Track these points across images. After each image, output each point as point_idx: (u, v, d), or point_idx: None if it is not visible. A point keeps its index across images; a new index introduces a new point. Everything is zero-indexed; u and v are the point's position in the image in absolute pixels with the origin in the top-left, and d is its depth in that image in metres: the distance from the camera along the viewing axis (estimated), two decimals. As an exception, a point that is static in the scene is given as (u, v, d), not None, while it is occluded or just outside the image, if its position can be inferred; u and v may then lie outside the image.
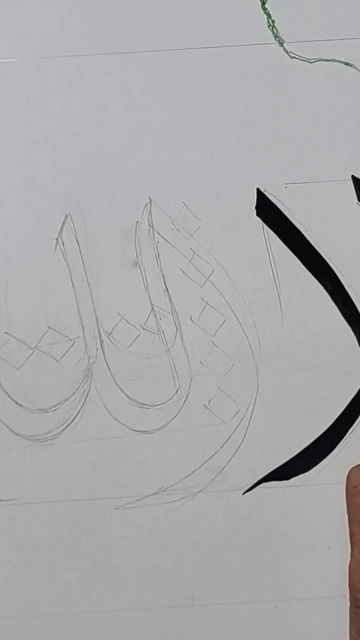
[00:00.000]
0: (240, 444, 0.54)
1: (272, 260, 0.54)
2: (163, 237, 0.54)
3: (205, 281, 0.54)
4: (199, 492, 0.54)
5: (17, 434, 0.54)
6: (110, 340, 0.54)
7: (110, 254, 0.54)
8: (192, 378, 0.54)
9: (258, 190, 0.54)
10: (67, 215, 0.54)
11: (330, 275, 0.54)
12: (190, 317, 0.54)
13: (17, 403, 0.54)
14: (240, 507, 0.54)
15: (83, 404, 0.54)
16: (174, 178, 0.55)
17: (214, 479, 0.54)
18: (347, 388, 0.54)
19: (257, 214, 0.54)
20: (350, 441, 0.54)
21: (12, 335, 0.54)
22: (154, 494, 0.54)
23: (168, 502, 0.54)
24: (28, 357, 0.54)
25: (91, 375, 0.54)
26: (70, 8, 0.55)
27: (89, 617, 0.54)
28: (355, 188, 0.54)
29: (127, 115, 0.55)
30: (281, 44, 0.54)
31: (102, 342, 0.54)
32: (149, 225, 0.54)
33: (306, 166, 0.55)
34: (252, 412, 0.54)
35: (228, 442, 0.54)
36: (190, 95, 0.55)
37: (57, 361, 0.54)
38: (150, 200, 0.54)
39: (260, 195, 0.54)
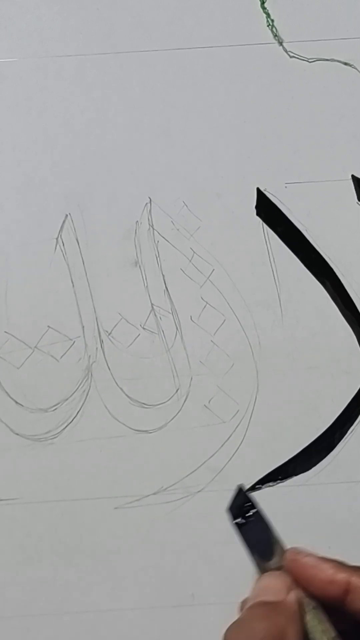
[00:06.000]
0: (240, 444, 0.54)
1: (272, 260, 0.54)
2: (163, 237, 0.54)
3: (205, 281, 0.54)
4: (198, 491, 0.54)
5: (17, 434, 0.54)
6: (110, 340, 0.54)
7: (110, 254, 0.54)
8: (192, 378, 0.54)
9: (258, 190, 0.54)
10: (67, 215, 0.54)
11: (330, 275, 0.54)
12: (191, 316, 0.54)
13: (17, 402, 0.54)
14: (240, 507, 0.54)
15: (83, 403, 0.54)
16: (174, 178, 0.55)
17: (213, 478, 0.54)
18: (347, 388, 0.54)
19: (257, 214, 0.54)
20: (350, 441, 0.54)
21: (12, 335, 0.54)
22: (154, 494, 0.54)
23: (168, 502, 0.54)
24: (28, 357, 0.54)
25: (91, 375, 0.54)
26: (70, 8, 0.55)
27: (89, 617, 0.54)
28: (355, 188, 0.54)
29: (127, 115, 0.55)
30: (280, 43, 0.54)
31: (102, 341, 0.54)
32: (149, 224, 0.54)
33: (306, 166, 0.55)
34: (252, 412, 0.54)
35: (228, 442, 0.54)
36: (190, 95, 0.55)
37: (57, 361, 0.54)
38: (150, 200, 0.54)
39: (260, 195, 0.54)
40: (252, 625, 0.40)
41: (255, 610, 0.42)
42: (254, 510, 0.45)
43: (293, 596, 0.41)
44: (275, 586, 0.42)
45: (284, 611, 0.41)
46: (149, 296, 0.54)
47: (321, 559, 0.44)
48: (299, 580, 0.43)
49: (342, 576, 0.42)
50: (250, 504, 0.45)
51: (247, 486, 0.53)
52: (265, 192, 0.54)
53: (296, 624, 0.40)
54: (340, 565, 0.43)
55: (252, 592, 0.44)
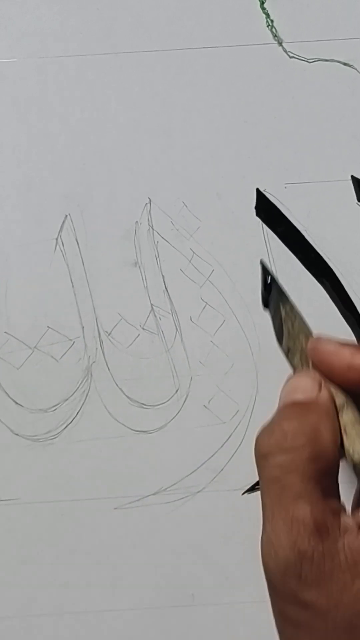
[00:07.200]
0: (240, 444, 0.54)
1: (271, 260, 0.54)
2: (163, 237, 0.54)
3: (205, 281, 0.54)
4: (198, 492, 0.54)
5: (17, 434, 0.54)
6: (110, 340, 0.54)
7: (110, 254, 0.54)
8: (191, 378, 0.54)
9: (258, 190, 0.54)
10: (66, 215, 0.54)
11: (330, 275, 0.54)
12: (190, 317, 0.54)
13: (17, 403, 0.54)
14: (240, 507, 0.54)
15: (83, 404, 0.54)
16: (174, 178, 0.55)
17: (213, 479, 0.54)
18: (347, 388, 0.54)
19: (257, 214, 0.54)
20: (350, 441, 0.54)
21: (12, 335, 0.54)
22: (153, 494, 0.54)
23: (168, 502, 0.54)
24: (28, 357, 0.54)
25: (91, 375, 0.54)
26: (70, 8, 0.55)
27: (89, 617, 0.54)
28: (355, 188, 0.54)
29: (127, 115, 0.55)
30: (280, 43, 0.54)
31: (101, 342, 0.54)
32: (149, 225, 0.54)
33: (306, 166, 0.54)
34: (252, 412, 0.54)
35: (228, 442, 0.54)
36: (190, 95, 0.55)
37: (57, 361, 0.54)
38: (150, 200, 0.54)
39: (260, 195, 0.54)
40: (283, 425, 0.38)
41: (287, 411, 0.39)
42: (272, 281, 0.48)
43: (325, 393, 0.39)
44: (306, 385, 0.40)
45: (316, 409, 0.38)
46: (149, 296, 0.54)
47: (341, 345, 0.41)
48: (321, 372, 0.40)
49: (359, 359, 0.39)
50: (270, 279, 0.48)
51: (247, 486, 0.53)
52: (265, 193, 0.54)
53: (330, 422, 0.38)
54: (358, 347, 0.40)
55: (281, 395, 0.42)
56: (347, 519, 0.36)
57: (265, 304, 0.50)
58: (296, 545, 0.35)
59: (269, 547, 0.36)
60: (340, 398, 0.40)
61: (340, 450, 0.39)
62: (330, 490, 0.37)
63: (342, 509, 0.37)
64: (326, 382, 0.40)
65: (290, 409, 0.40)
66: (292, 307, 0.46)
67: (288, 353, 0.45)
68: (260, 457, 0.38)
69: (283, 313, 0.46)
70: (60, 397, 0.54)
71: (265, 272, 0.51)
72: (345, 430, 0.38)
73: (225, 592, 0.54)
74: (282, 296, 0.47)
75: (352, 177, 0.54)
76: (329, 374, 0.40)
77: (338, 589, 0.34)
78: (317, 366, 0.41)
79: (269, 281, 0.50)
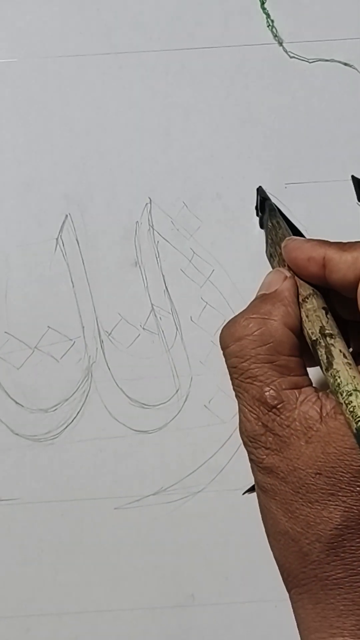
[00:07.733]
0: (240, 444, 0.53)
1: (272, 259, 0.54)
2: (163, 237, 0.54)
3: (205, 281, 0.54)
4: (198, 492, 0.54)
5: (17, 434, 0.54)
6: (110, 340, 0.54)
7: (110, 254, 0.54)
8: (192, 378, 0.54)
9: (258, 188, 0.54)
10: (67, 215, 0.54)
11: (330, 275, 0.54)
12: (191, 317, 0.54)
13: (17, 403, 0.54)
14: (240, 507, 0.54)
15: (83, 404, 0.54)
16: (174, 178, 0.55)
17: (214, 479, 0.54)
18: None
19: (257, 214, 0.54)
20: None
21: (12, 335, 0.54)
22: (154, 494, 0.54)
23: (168, 502, 0.54)
24: (28, 357, 0.54)
25: (91, 375, 0.54)
26: (70, 8, 0.55)
27: (89, 617, 0.54)
28: (355, 188, 0.54)
29: (127, 115, 0.55)
30: (280, 43, 0.54)
31: (102, 342, 0.54)
32: (149, 225, 0.54)
33: (306, 166, 0.55)
34: (252, 412, 0.54)
35: (228, 442, 0.54)
36: (190, 95, 0.55)
37: (57, 361, 0.54)
38: (150, 200, 0.54)
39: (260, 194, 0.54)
40: (238, 318, 0.41)
41: (249, 304, 0.42)
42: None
43: (287, 284, 0.42)
44: (271, 279, 0.43)
45: (272, 298, 0.41)
46: (149, 296, 0.54)
47: (305, 240, 0.43)
48: (291, 267, 0.43)
49: (318, 251, 0.41)
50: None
51: (248, 486, 0.53)
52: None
53: (284, 307, 0.40)
54: (321, 242, 0.42)
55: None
56: (309, 391, 0.38)
57: (261, 224, 0.53)
58: (259, 419, 0.38)
59: (241, 425, 0.40)
60: (306, 290, 0.42)
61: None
62: (287, 367, 0.39)
63: (307, 382, 0.40)
64: (294, 276, 0.43)
65: (252, 302, 0.43)
66: (279, 221, 0.49)
67: (270, 258, 0.48)
68: (222, 349, 0.41)
69: (270, 225, 0.49)
70: (61, 397, 0.54)
71: (259, 195, 0.54)
72: (307, 316, 0.40)
73: (225, 592, 0.54)
74: (272, 212, 0.51)
75: (352, 177, 0.54)
76: (295, 269, 0.43)
77: (295, 454, 0.37)
78: (287, 263, 0.43)
79: (261, 200, 0.54)
